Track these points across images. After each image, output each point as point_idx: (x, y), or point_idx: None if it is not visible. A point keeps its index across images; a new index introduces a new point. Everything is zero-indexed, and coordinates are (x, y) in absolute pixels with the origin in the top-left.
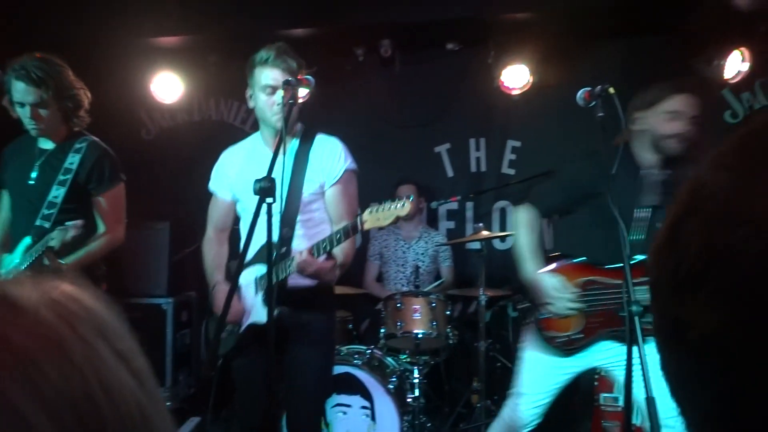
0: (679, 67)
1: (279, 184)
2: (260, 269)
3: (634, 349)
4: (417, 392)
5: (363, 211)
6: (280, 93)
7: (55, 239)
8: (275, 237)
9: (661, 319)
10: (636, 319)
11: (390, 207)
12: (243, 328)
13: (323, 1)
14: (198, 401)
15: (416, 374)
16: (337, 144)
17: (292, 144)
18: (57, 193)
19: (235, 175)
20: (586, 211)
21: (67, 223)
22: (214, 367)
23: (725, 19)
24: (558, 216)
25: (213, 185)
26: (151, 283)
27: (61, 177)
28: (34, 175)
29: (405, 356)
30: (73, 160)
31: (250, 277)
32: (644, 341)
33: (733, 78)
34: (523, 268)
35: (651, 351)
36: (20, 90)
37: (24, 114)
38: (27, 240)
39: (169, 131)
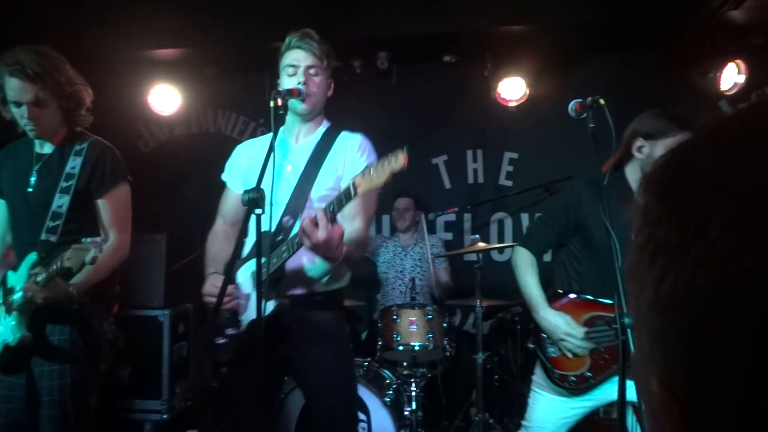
0: (675, 80)
1: (289, 175)
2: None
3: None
4: (414, 405)
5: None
6: (301, 74)
7: (71, 259)
8: (273, 227)
9: None
10: (629, 331)
11: (383, 164)
12: (243, 327)
13: (320, 14)
14: (195, 413)
15: (413, 387)
16: (359, 139)
17: (314, 136)
18: (61, 202)
19: (246, 166)
20: (577, 243)
21: (84, 240)
22: (217, 376)
23: (720, 31)
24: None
25: (225, 176)
26: (147, 295)
27: (63, 184)
28: (32, 181)
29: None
30: (74, 164)
31: (246, 273)
32: None
33: (729, 90)
34: (533, 309)
35: None
36: (15, 87)
37: (20, 114)
38: (32, 256)
39: (166, 143)
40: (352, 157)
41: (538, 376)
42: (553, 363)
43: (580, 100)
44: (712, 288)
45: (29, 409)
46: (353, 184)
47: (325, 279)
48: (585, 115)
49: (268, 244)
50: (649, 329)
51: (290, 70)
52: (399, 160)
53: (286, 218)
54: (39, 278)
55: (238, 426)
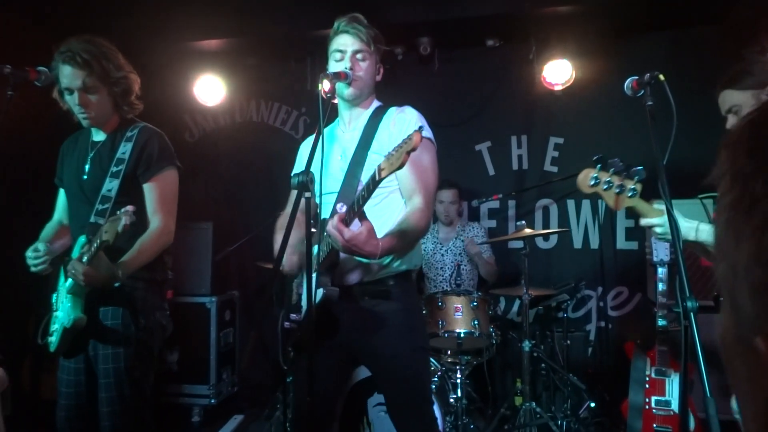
0: (731, 59)
1: (340, 163)
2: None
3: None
4: (459, 393)
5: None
6: (348, 58)
7: (108, 232)
8: (327, 213)
9: None
10: (692, 316)
11: (399, 146)
12: (303, 314)
13: (361, 0)
14: (240, 399)
15: (458, 374)
16: (410, 112)
17: (362, 119)
18: (110, 186)
19: (304, 159)
20: None
21: (118, 212)
22: (285, 358)
23: None
24: None
25: (294, 170)
26: (195, 282)
27: (113, 168)
28: (87, 168)
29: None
30: (125, 150)
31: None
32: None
33: None
34: None
35: None
36: (67, 74)
37: (72, 101)
38: (82, 239)
39: (211, 134)
40: (402, 131)
41: None
42: None
43: (637, 77)
44: None
45: (90, 392)
46: (378, 168)
47: (387, 260)
48: (642, 92)
49: (324, 231)
50: (751, 283)
51: (338, 56)
52: (411, 140)
53: (339, 205)
54: (84, 258)
55: (296, 408)
